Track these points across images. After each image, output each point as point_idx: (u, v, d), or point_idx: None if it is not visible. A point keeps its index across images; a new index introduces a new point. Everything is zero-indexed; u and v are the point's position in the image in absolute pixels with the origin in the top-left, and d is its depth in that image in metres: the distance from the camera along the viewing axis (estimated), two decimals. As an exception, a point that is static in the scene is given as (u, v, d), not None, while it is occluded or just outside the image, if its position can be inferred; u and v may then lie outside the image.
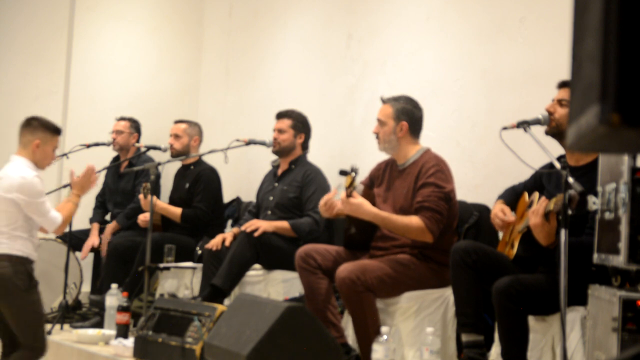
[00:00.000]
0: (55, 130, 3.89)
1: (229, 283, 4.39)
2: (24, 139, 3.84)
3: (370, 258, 3.83)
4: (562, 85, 3.23)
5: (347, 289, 3.51)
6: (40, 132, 3.83)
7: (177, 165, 5.67)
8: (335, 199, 3.80)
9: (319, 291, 3.73)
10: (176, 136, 5.41)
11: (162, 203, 5.31)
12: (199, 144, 5.49)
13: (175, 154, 5.36)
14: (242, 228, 4.56)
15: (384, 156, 4.08)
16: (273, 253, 4.50)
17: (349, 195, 3.61)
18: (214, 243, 4.61)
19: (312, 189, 4.66)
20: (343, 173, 3.69)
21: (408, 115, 3.87)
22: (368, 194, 3.86)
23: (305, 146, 4.86)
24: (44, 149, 3.82)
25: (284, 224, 4.57)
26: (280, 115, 4.84)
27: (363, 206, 3.64)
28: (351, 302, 3.55)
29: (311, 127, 4.88)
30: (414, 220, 3.66)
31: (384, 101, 3.93)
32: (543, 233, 2.89)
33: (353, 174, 3.56)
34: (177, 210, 5.21)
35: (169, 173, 5.77)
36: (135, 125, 5.88)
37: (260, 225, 4.50)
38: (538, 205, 2.92)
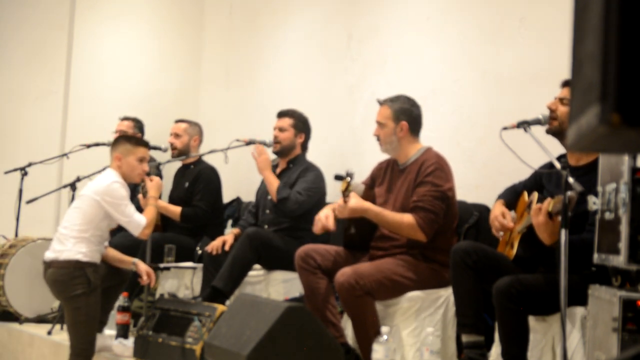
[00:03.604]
0: (136, 142, 4.13)
1: (230, 285, 4.38)
2: (111, 156, 4.09)
3: (370, 258, 3.82)
4: (566, 84, 3.23)
5: (346, 293, 3.51)
6: (121, 145, 4.06)
7: (177, 165, 5.67)
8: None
9: (318, 291, 3.72)
10: (176, 135, 5.43)
11: (162, 202, 5.30)
12: (199, 144, 5.50)
13: (176, 154, 5.38)
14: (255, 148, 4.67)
15: (384, 156, 4.08)
16: (273, 253, 4.50)
17: (344, 199, 3.62)
18: (215, 246, 4.60)
19: (306, 177, 4.67)
20: (338, 178, 3.71)
21: (406, 115, 3.86)
22: (368, 194, 3.86)
23: (304, 146, 4.87)
24: (126, 160, 4.03)
25: (274, 181, 4.64)
26: (282, 114, 4.84)
27: (357, 206, 3.65)
28: (351, 306, 3.55)
29: (311, 128, 4.88)
30: (406, 217, 3.67)
31: (381, 103, 3.92)
32: (547, 232, 2.88)
33: (348, 178, 3.58)
34: (176, 209, 5.21)
35: (169, 173, 5.77)
36: (138, 126, 5.90)
37: (262, 155, 4.65)
38: (541, 204, 2.91)
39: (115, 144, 4.12)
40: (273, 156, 4.96)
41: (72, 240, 3.85)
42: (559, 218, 2.84)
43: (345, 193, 3.62)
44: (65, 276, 3.81)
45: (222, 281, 4.35)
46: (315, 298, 3.72)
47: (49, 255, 3.91)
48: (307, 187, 4.62)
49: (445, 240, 3.73)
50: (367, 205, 3.70)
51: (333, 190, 4.93)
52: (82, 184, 5.09)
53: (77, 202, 4.02)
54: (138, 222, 3.95)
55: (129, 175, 4.06)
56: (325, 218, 3.78)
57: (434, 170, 3.73)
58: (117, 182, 3.95)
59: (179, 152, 5.39)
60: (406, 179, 3.82)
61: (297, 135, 4.80)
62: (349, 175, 3.58)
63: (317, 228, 3.81)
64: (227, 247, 4.56)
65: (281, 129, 4.79)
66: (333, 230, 3.84)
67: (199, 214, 5.21)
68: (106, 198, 3.90)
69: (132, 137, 4.31)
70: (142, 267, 4.13)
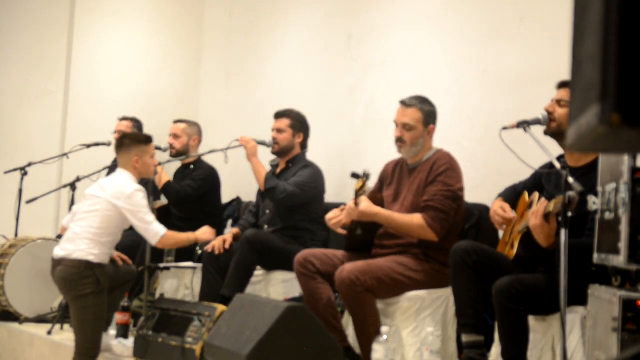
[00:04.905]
0: (146, 140, 4.11)
1: (237, 291, 4.38)
2: (122, 159, 4.05)
3: (372, 257, 3.81)
4: (562, 85, 3.24)
5: (347, 289, 3.50)
6: (134, 147, 4.03)
7: (176, 165, 5.67)
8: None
9: (319, 296, 3.70)
10: (175, 136, 5.42)
11: (159, 168, 5.25)
12: (198, 144, 5.49)
13: (175, 154, 5.37)
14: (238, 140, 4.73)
15: (383, 156, 4.07)
16: (274, 255, 4.49)
17: (357, 198, 3.62)
18: (216, 246, 4.58)
19: (302, 173, 4.65)
20: (355, 176, 3.69)
21: (434, 118, 3.87)
22: (375, 196, 3.85)
23: (304, 145, 4.86)
24: (143, 161, 4.03)
25: (262, 170, 4.65)
26: (279, 115, 4.84)
27: (367, 210, 3.65)
28: (351, 302, 3.54)
29: (309, 126, 4.88)
30: (416, 218, 3.66)
31: (408, 104, 3.82)
32: (543, 234, 2.89)
33: (364, 178, 3.57)
34: (165, 178, 5.19)
35: (168, 173, 5.77)
36: (137, 126, 5.90)
37: (249, 142, 4.69)
38: (538, 206, 2.92)
39: (124, 145, 4.06)
40: (273, 157, 4.96)
41: (87, 242, 3.83)
42: (555, 220, 2.84)
43: (359, 193, 3.62)
44: (75, 275, 3.80)
45: (229, 289, 4.34)
46: (316, 303, 3.69)
47: (59, 252, 3.88)
48: (300, 181, 4.61)
49: (448, 240, 3.71)
50: (377, 209, 3.69)
51: (335, 190, 4.94)
52: (83, 184, 5.10)
53: (92, 205, 3.94)
54: (156, 231, 3.93)
55: (145, 173, 4.09)
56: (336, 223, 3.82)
57: (446, 170, 3.72)
58: (140, 190, 3.94)
59: (178, 153, 5.38)
60: (417, 178, 3.81)
61: (295, 135, 4.79)
62: (366, 175, 3.59)
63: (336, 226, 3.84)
64: (227, 246, 4.56)
65: (279, 130, 4.78)
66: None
67: (180, 193, 5.19)
68: (127, 206, 3.88)
69: (139, 135, 4.25)
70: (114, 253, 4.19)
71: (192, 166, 5.45)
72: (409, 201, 3.79)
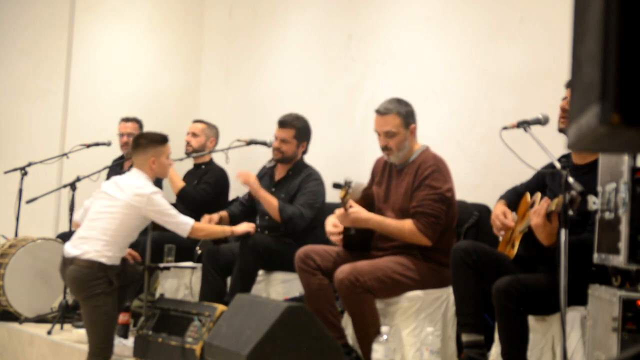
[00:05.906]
0: (163, 140, 4.08)
1: None
2: (138, 159, 4.03)
3: (370, 259, 3.82)
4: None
5: (346, 290, 3.50)
6: (151, 148, 4.01)
7: (187, 166, 5.68)
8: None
9: (318, 292, 3.71)
10: (194, 134, 5.50)
11: (172, 171, 5.26)
12: (214, 146, 5.54)
13: (191, 152, 5.43)
14: (238, 175, 4.64)
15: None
16: (275, 258, 4.48)
17: (345, 207, 3.64)
18: (208, 219, 4.59)
19: (308, 188, 4.64)
20: (337, 186, 3.72)
21: (412, 117, 3.86)
22: (367, 194, 3.85)
23: (305, 151, 4.84)
24: (159, 162, 4.02)
25: (273, 200, 4.57)
26: (283, 124, 4.72)
27: (359, 214, 3.67)
28: (351, 303, 3.55)
29: (312, 131, 4.85)
30: (407, 224, 3.67)
31: (384, 112, 3.81)
32: (545, 233, 2.89)
33: (347, 187, 3.59)
34: (179, 183, 5.22)
35: (179, 172, 5.75)
36: (141, 126, 5.97)
37: (250, 178, 4.57)
38: (540, 205, 2.92)
39: (140, 146, 4.03)
40: (267, 156, 4.95)
41: (102, 243, 3.80)
42: (557, 219, 2.84)
43: (344, 200, 3.64)
44: (87, 275, 3.77)
45: (233, 296, 4.33)
46: (315, 299, 3.71)
47: (72, 251, 3.83)
48: (309, 201, 4.57)
49: (444, 240, 3.73)
50: (369, 216, 3.70)
51: (334, 191, 4.93)
52: (83, 184, 5.10)
53: (110, 206, 3.90)
54: (185, 222, 3.95)
55: (161, 173, 4.08)
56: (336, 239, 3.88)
57: (432, 172, 3.72)
58: (158, 191, 3.93)
59: (194, 151, 5.44)
60: (404, 180, 3.81)
61: (299, 146, 4.76)
62: (347, 184, 3.60)
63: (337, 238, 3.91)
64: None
65: (283, 140, 4.72)
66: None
67: (195, 196, 5.23)
68: (150, 208, 3.88)
69: (155, 135, 4.17)
70: None
71: (203, 166, 5.50)
72: (398, 205, 3.80)
